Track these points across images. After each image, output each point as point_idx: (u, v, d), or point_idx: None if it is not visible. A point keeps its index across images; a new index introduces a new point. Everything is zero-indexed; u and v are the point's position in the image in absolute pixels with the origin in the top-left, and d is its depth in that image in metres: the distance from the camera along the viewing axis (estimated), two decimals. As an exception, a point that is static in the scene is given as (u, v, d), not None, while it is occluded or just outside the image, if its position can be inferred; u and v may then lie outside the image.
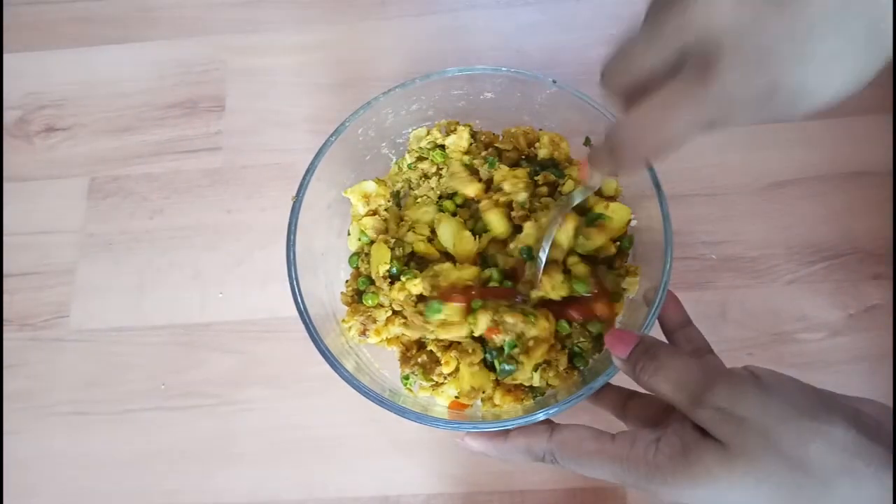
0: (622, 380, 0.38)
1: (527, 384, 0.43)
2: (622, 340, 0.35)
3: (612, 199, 0.46)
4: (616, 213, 0.44)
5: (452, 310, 0.42)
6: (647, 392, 0.41)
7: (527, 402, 0.43)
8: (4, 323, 0.59)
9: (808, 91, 0.26)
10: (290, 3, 0.67)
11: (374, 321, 0.44)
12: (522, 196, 0.45)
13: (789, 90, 0.26)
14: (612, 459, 0.33)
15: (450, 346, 0.44)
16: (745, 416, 0.29)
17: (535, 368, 0.42)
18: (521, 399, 0.43)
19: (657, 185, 0.42)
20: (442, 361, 0.43)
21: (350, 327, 0.45)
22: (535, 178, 0.47)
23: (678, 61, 0.28)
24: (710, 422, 0.30)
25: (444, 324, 0.43)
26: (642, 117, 0.29)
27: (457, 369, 0.43)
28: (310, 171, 0.45)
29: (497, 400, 0.43)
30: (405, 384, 0.45)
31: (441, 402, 0.44)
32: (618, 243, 0.45)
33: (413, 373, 0.44)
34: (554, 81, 0.45)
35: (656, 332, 0.40)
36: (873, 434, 0.27)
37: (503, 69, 0.46)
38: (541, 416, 0.38)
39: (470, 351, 0.43)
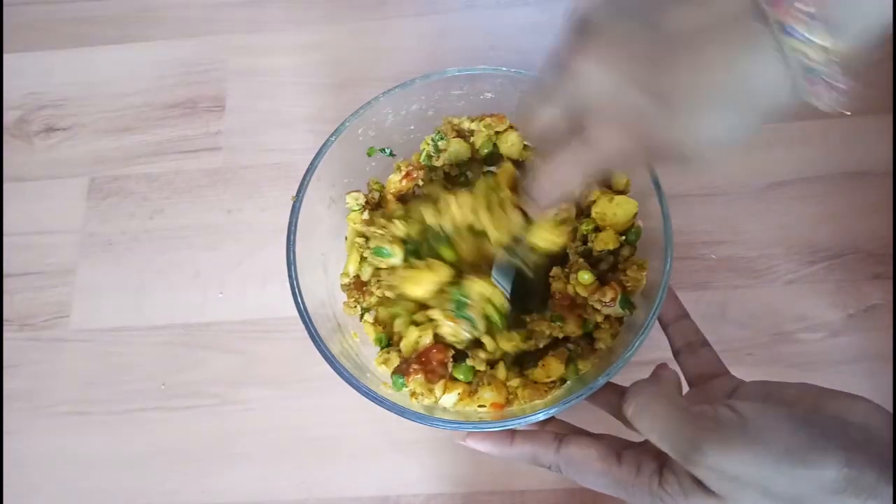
0: (621, 381, 0.38)
1: (549, 379, 0.43)
2: None
3: (621, 192, 0.46)
4: (621, 207, 0.44)
5: (415, 382, 0.42)
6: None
7: (556, 392, 0.43)
8: (4, 323, 0.59)
9: (685, 144, 0.29)
10: (291, 3, 0.67)
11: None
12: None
13: (662, 144, 0.29)
14: (617, 483, 0.35)
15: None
16: (738, 475, 0.29)
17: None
18: (545, 393, 0.43)
19: (657, 185, 0.42)
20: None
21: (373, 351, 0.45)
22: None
23: (576, 120, 0.31)
24: (703, 478, 0.30)
25: (413, 393, 0.43)
26: (547, 174, 0.34)
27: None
28: (310, 171, 0.45)
29: (520, 395, 0.42)
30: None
31: (449, 401, 0.43)
32: (623, 237, 0.45)
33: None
34: None
35: (654, 328, 0.40)
36: (862, 457, 0.28)
37: (503, 69, 0.45)
38: (541, 416, 0.38)
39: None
